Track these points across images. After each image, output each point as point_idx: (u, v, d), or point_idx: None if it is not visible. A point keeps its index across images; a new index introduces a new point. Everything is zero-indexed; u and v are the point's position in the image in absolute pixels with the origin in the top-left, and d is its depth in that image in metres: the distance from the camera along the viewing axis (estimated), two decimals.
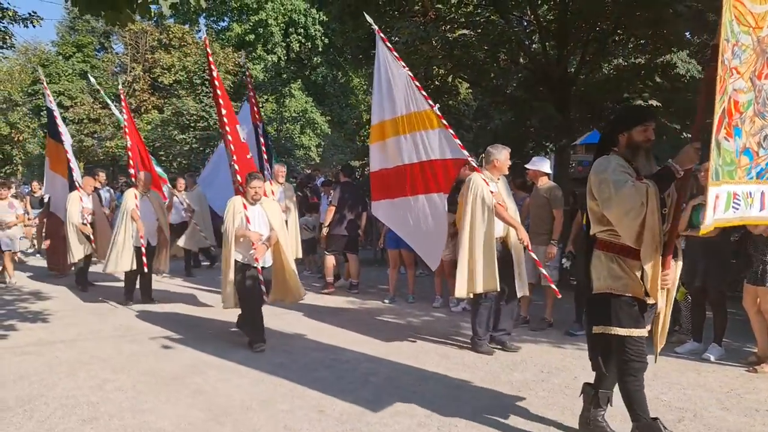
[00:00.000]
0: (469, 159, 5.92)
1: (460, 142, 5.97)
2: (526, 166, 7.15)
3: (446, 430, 4.01)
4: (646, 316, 3.48)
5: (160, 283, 9.30)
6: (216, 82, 7.95)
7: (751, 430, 3.98)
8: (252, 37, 28.25)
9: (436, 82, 11.09)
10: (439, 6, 9.71)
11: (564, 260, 6.89)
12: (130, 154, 8.81)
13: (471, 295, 5.72)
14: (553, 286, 5.75)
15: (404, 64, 6.47)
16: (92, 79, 12.18)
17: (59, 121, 10.27)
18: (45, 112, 27.56)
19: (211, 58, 8.17)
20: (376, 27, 6.67)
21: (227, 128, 7.41)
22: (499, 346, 5.98)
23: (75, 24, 32.88)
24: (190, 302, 8.31)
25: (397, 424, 4.09)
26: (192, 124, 22.21)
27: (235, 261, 6.02)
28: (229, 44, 27.81)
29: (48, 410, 4.32)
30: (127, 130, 9.27)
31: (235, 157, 7.24)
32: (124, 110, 9.48)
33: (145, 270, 8.00)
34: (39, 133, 30.15)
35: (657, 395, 4.61)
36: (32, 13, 11.75)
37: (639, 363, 3.47)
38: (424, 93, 6.28)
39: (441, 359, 5.64)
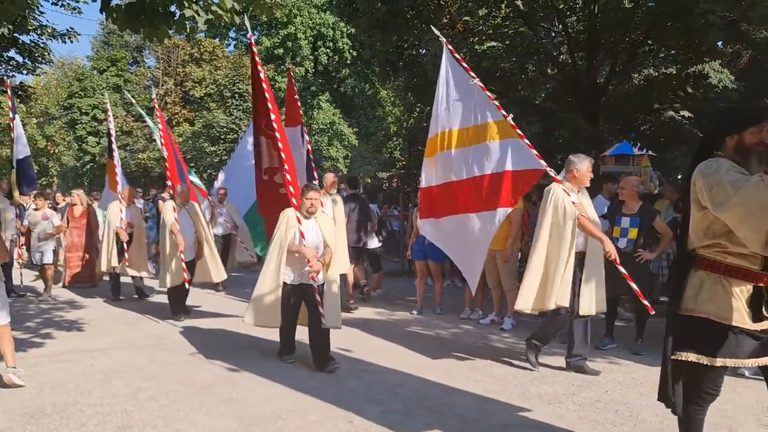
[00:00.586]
0: (547, 169, 5.49)
1: (536, 152, 5.57)
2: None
3: None
4: (748, 344, 2.98)
5: (191, 294, 9.43)
6: (264, 85, 7.15)
7: None
8: (281, 50, 28.69)
9: None
10: (467, 18, 9.76)
11: None
12: (167, 165, 8.81)
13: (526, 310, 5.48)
14: (646, 302, 5.28)
15: (474, 75, 6.12)
16: (126, 93, 12.44)
17: (113, 139, 10.46)
18: (78, 125, 28.30)
19: (257, 58, 7.55)
20: (443, 39, 6.45)
21: (276, 134, 6.74)
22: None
23: (109, 39, 33.76)
24: (221, 313, 8.40)
25: None
26: (222, 137, 22.58)
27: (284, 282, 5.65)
28: (258, 58, 28.21)
29: (83, 417, 4.41)
30: (163, 141, 9.31)
31: (286, 166, 6.55)
32: (159, 122, 9.60)
33: (186, 286, 7.93)
34: (74, 145, 30.93)
35: None
36: (70, 29, 12.14)
37: (713, 393, 3.16)
38: (497, 103, 5.97)
39: (470, 371, 5.62)
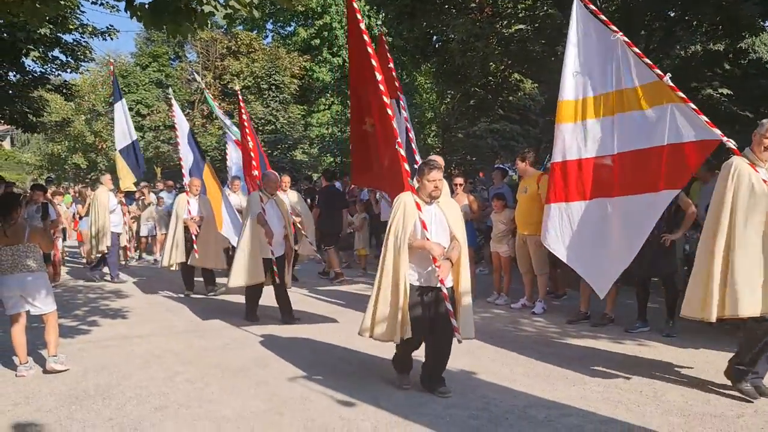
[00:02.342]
0: (723, 139, 4.44)
1: (706, 119, 4.55)
2: None
3: (496, 422, 4.06)
4: None
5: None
6: (365, 36, 6.01)
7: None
8: (317, 41, 28.87)
9: (494, 79, 11.05)
10: (497, 1, 9.68)
11: None
12: (252, 155, 8.03)
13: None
14: None
15: (616, 29, 5.14)
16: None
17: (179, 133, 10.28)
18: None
19: (355, 4, 6.35)
20: None
21: (384, 97, 5.70)
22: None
23: (151, 35, 34.53)
24: (264, 305, 8.55)
25: (449, 416, 4.18)
26: (260, 128, 22.91)
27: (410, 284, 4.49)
28: (295, 48, 28.48)
29: (124, 398, 4.65)
30: (248, 131, 8.41)
31: (399, 139, 5.56)
32: (243, 112, 8.68)
33: (278, 281, 7.04)
34: None
35: (719, 391, 4.50)
36: (109, 27, 12.53)
37: None
38: (648, 61, 4.96)
39: (497, 355, 5.67)
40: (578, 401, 4.41)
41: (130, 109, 29.39)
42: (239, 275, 6.92)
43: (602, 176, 5.18)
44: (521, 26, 9.26)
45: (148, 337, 6.62)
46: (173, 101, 10.82)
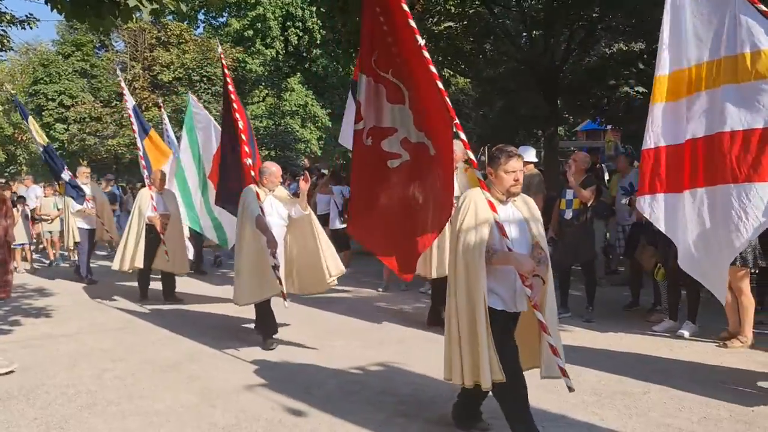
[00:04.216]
0: None
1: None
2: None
3: (424, 407, 4.24)
4: None
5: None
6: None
7: (712, 402, 4.18)
8: (251, 32, 28.44)
9: None
10: None
11: None
12: (244, 137, 6.59)
13: None
14: None
15: None
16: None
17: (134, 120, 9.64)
18: (45, 112, 27.85)
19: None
20: None
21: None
22: None
23: (75, 23, 33.14)
24: (194, 297, 8.40)
25: (379, 402, 4.32)
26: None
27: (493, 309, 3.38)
28: (227, 40, 27.97)
29: (49, 398, 4.56)
30: (236, 105, 6.93)
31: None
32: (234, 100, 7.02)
33: (285, 303, 5.64)
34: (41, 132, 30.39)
35: (629, 370, 4.83)
36: (29, 15, 11.94)
37: None
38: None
39: (427, 342, 5.84)
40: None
41: (53, 100, 28.28)
42: (247, 290, 5.77)
43: (702, 160, 4.32)
44: (450, 23, 9.51)
45: (75, 335, 6.47)
46: (125, 90, 10.27)
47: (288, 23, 29.11)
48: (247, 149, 6.40)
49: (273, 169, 6.10)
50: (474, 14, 9.44)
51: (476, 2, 10.03)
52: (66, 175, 9.93)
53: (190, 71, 24.91)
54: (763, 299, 6.43)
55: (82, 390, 4.72)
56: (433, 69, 3.88)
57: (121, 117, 27.18)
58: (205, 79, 24.85)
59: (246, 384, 4.77)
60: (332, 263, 6.00)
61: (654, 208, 4.64)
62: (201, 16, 31.71)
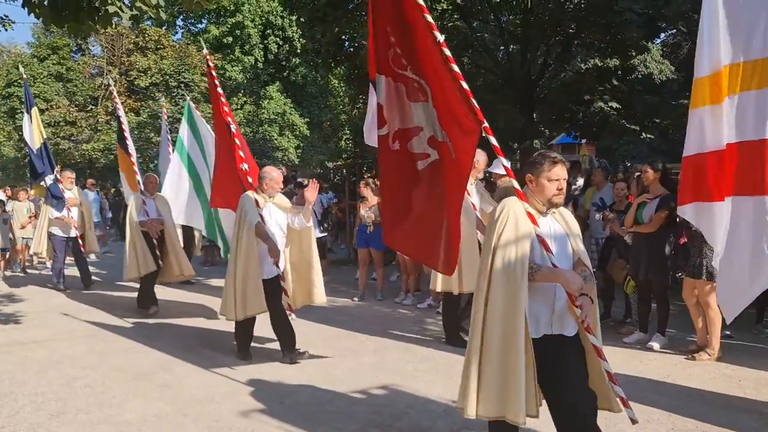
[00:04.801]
0: None
1: None
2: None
3: (398, 416, 4.26)
4: None
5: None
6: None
7: (680, 413, 4.27)
8: (230, 39, 28.37)
9: None
10: None
11: None
12: (238, 141, 6.37)
13: None
14: None
15: None
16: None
17: (125, 127, 9.40)
18: (18, 115, 27.39)
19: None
20: None
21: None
22: None
23: (51, 26, 32.69)
24: (169, 305, 8.27)
25: (353, 413, 4.33)
26: (169, 127, 22.25)
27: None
28: (206, 46, 27.89)
29: (17, 406, 4.50)
30: (226, 108, 6.72)
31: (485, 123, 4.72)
32: (213, 88, 7.16)
33: (292, 316, 5.54)
34: (14, 135, 29.91)
35: None
36: (4, 17, 11.79)
37: None
38: None
39: (402, 353, 5.88)
40: None
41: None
42: (233, 305, 5.41)
43: (743, 168, 4.09)
44: None
45: (46, 342, 6.37)
46: (114, 91, 10.09)
47: (268, 31, 29.11)
48: (242, 154, 6.19)
49: (274, 174, 5.68)
50: (452, 27, 9.57)
51: (455, 16, 10.16)
52: (50, 178, 9.62)
53: (168, 77, 24.76)
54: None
55: (52, 398, 4.67)
56: (456, 67, 3.55)
57: (96, 122, 26.89)
58: (182, 85, 24.71)
59: (218, 393, 4.74)
60: (319, 279, 5.96)
61: (699, 216, 4.34)
62: (180, 22, 31.59)
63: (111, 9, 3.72)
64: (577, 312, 3.01)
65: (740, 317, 6.68)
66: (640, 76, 10.12)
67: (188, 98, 10.29)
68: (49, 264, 10.96)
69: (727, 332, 6.28)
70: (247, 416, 4.27)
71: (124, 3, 3.79)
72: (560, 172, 3.08)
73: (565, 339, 3.07)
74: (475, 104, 3.41)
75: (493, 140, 3.41)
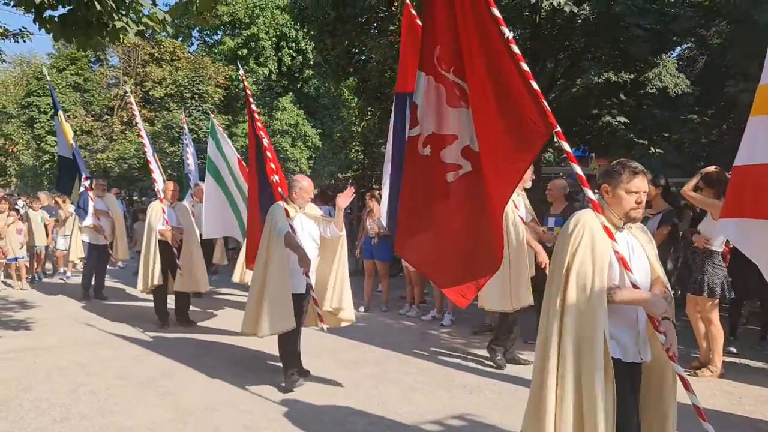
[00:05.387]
0: None
1: None
2: None
3: (394, 428, 4.29)
4: None
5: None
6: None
7: (678, 429, 4.25)
8: (244, 51, 28.71)
9: None
10: None
11: None
12: (269, 155, 6.25)
13: None
14: None
15: None
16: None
17: (143, 134, 9.33)
18: (37, 124, 27.83)
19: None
20: None
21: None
22: None
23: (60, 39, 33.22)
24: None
25: (350, 424, 4.37)
26: (182, 137, 22.54)
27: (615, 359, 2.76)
28: (221, 58, 28.23)
29: (22, 411, 4.58)
30: (259, 124, 6.63)
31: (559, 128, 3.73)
32: (248, 102, 6.81)
33: (323, 326, 5.24)
34: (32, 144, 30.42)
35: None
36: (23, 29, 12.05)
37: None
38: None
39: (403, 364, 5.91)
40: (473, 408, 4.70)
41: (45, 113, 28.33)
42: (264, 320, 4.98)
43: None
44: None
45: (54, 348, 6.47)
46: (132, 100, 9.94)
47: (282, 43, 29.42)
48: (273, 166, 6.05)
49: (304, 183, 5.35)
50: None
51: None
52: (81, 187, 9.58)
53: (182, 88, 25.07)
54: (734, 330, 6.56)
55: (56, 404, 4.75)
56: (525, 66, 3.19)
57: (111, 131, 27.27)
58: (196, 96, 24.99)
59: (219, 401, 4.81)
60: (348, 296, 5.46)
61: (741, 232, 4.12)
62: (195, 34, 31.99)
63: (118, 24, 3.83)
64: (661, 339, 2.78)
65: (745, 334, 6.71)
66: (654, 91, 10.14)
67: (212, 116, 10.25)
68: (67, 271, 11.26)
69: (732, 349, 6.25)
70: (245, 425, 4.32)
71: (131, 19, 3.90)
72: (640, 183, 2.85)
73: (639, 366, 2.88)
74: (547, 106, 3.06)
75: (566, 146, 3.09)
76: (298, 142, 28.89)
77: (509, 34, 3.24)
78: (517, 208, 5.74)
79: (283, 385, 5.14)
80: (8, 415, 4.49)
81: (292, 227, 5.14)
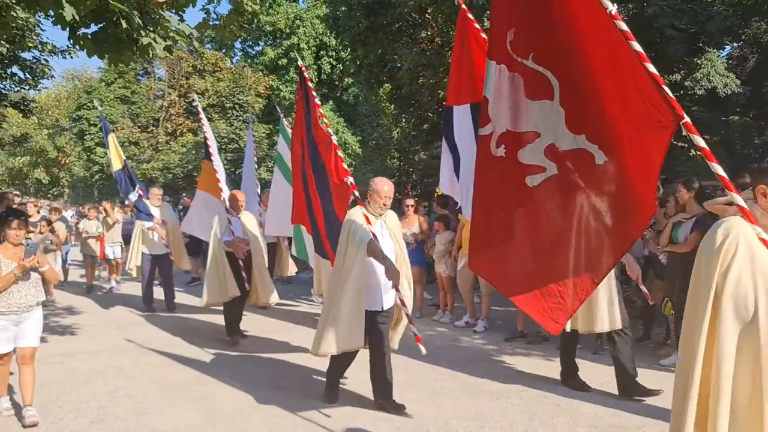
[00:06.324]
0: None
1: None
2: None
3: None
4: None
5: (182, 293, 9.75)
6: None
7: None
8: (284, 60, 29.20)
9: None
10: (448, 30, 10.08)
11: None
12: (340, 154, 6.16)
13: None
14: None
15: None
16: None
17: (211, 143, 8.84)
18: (87, 136, 28.81)
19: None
20: None
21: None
22: None
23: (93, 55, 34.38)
24: (205, 312, 8.56)
25: (376, 429, 4.41)
26: (223, 146, 23.05)
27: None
28: (261, 68, 28.79)
29: (62, 412, 4.78)
30: (329, 129, 6.64)
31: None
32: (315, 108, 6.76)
33: (423, 351, 4.64)
34: (83, 156, 31.55)
35: (627, 404, 4.82)
36: (69, 46, 12.63)
37: None
38: None
39: (431, 371, 5.92)
40: (498, 414, 4.68)
41: (94, 125, 29.36)
42: (330, 338, 4.61)
43: None
44: None
45: (95, 353, 6.71)
46: (200, 110, 9.92)
47: (321, 52, 29.81)
48: (345, 166, 5.70)
49: (385, 187, 4.76)
50: None
51: None
52: (134, 195, 9.64)
53: (224, 99, 25.66)
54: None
55: (94, 406, 4.93)
56: (637, 46, 2.67)
57: (156, 142, 28.07)
58: (237, 106, 25.54)
59: (249, 406, 4.91)
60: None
61: None
62: (238, 44, 32.74)
63: (145, 40, 3.99)
64: None
65: None
66: (702, 91, 9.87)
67: (282, 116, 10.17)
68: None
69: None
70: (273, 430, 4.41)
71: (158, 34, 4.06)
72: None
73: None
74: (670, 94, 2.62)
75: (700, 140, 2.57)
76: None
77: (613, 8, 2.69)
78: None
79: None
80: (48, 416, 4.68)
81: (374, 235, 4.62)
